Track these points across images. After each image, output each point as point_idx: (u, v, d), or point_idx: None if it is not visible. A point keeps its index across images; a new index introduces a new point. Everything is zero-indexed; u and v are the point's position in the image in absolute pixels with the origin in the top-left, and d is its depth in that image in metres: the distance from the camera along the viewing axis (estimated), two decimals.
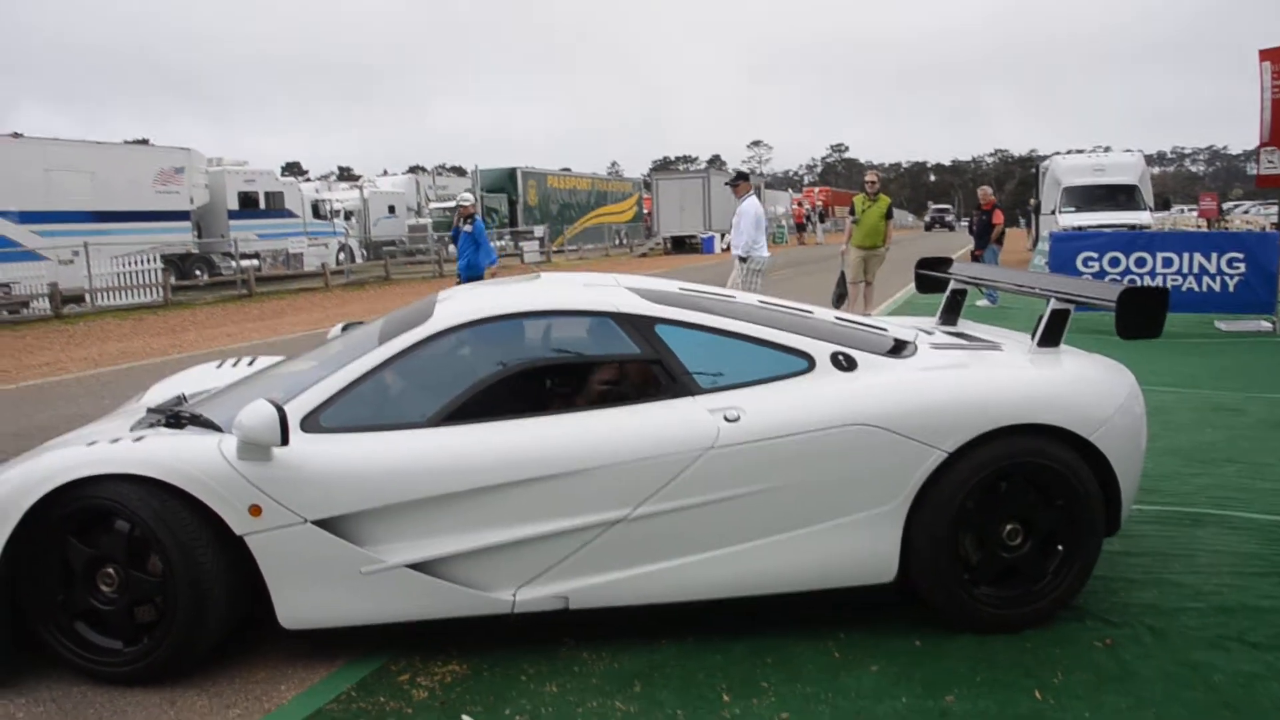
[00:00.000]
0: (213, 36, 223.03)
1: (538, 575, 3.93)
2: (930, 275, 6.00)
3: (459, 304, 4.48)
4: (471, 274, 13.56)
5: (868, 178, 14.38)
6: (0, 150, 26.05)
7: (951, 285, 5.69)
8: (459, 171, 76.77)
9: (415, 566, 3.85)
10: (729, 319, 4.36)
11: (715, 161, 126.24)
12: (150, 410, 4.63)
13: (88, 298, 24.21)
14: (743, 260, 11.79)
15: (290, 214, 34.51)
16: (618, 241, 52.20)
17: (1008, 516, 4.08)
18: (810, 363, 4.22)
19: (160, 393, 5.48)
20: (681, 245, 44.93)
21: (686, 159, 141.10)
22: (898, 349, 4.52)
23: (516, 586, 3.92)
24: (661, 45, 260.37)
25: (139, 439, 3.94)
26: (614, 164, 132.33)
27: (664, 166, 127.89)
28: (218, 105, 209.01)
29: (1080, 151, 30.60)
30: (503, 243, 42.95)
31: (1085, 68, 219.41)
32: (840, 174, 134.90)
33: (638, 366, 4.25)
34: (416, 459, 3.88)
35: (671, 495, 3.91)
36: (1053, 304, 4.60)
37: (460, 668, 3.90)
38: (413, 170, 57.61)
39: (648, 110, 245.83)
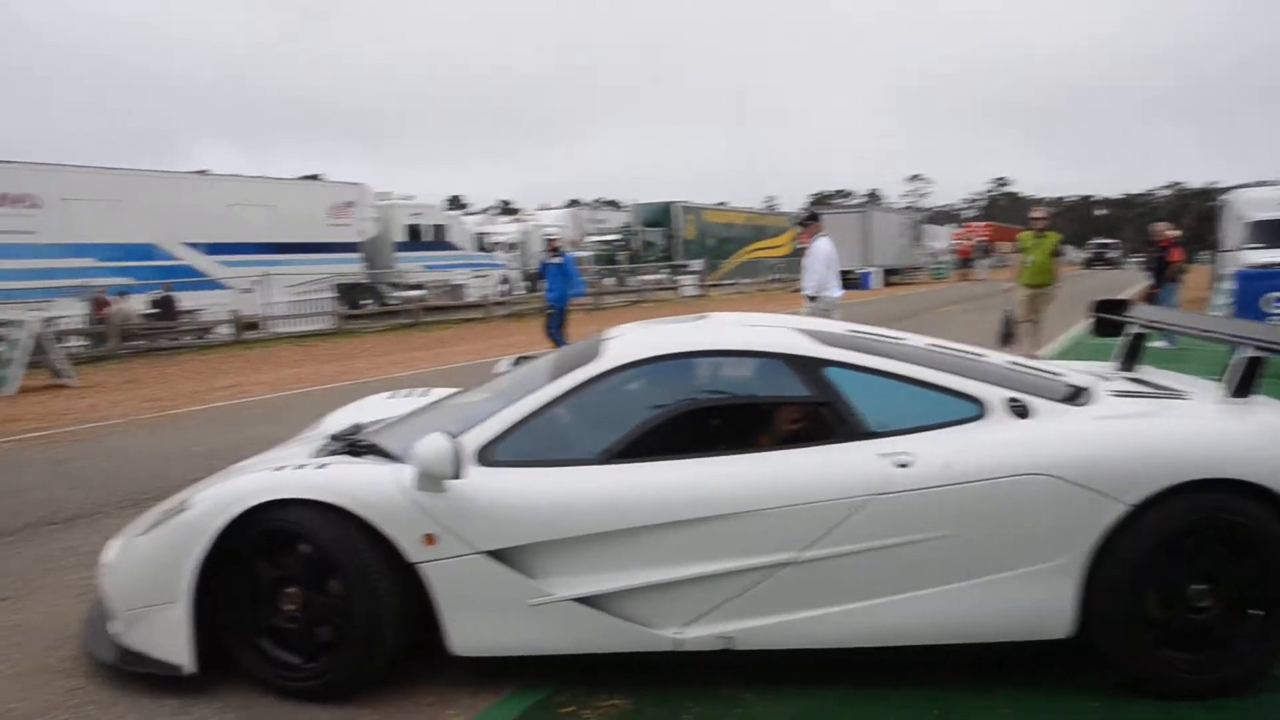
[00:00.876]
0: (376, 78, 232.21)
1: (703, 614, 3.89)
2: (1109, 318, 5.74)
3: (628, 343, 4.51)
4: (560, 304, 14.25)
5: (1034, 213, 13.95)
6: (190, 187, 27.72)
7: (1134, 330, 5.43)
8: (616, 205, 77.75)
9: (582, 600, 3.87)
10: (899, 362, 4.26)
11: (873, 196, 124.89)
12: (330, 438, 4.80)
13: (265, 324, 25.35)
14: (812, 299, 11.68)
15: (454, 247, 35.53)
16: (773, 277, 51.98)
17: (1196, 575, 3.80)
18: (982, 409, 4.07)
19: (337, 421, 5.70)
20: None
21: (843, 193, 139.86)
22: (1074, 396, 4.33)
23: (681, 625, 3.90)
24: (817, 79, 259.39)
25: (321, 466, 4.09)
26: (770, 198, 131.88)
27: (821, 201, 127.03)
28: (382, 142, 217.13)
29: (1267, 184, 28.97)
30: (659, 276, 43.31)
31: (1268, 95, 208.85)
32: (1003, 208, 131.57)
33: (807, 409, 4.18)
34: (586, 495, 3.91)
35: (840, 540, 3.82)
36: (1248, 351, 4.33)
37: (623, 702, 3.88)
38: (571, 204, 58.59)
39: (804, 145, 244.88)
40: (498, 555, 3.86)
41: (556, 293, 14.71)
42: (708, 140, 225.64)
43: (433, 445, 3.79)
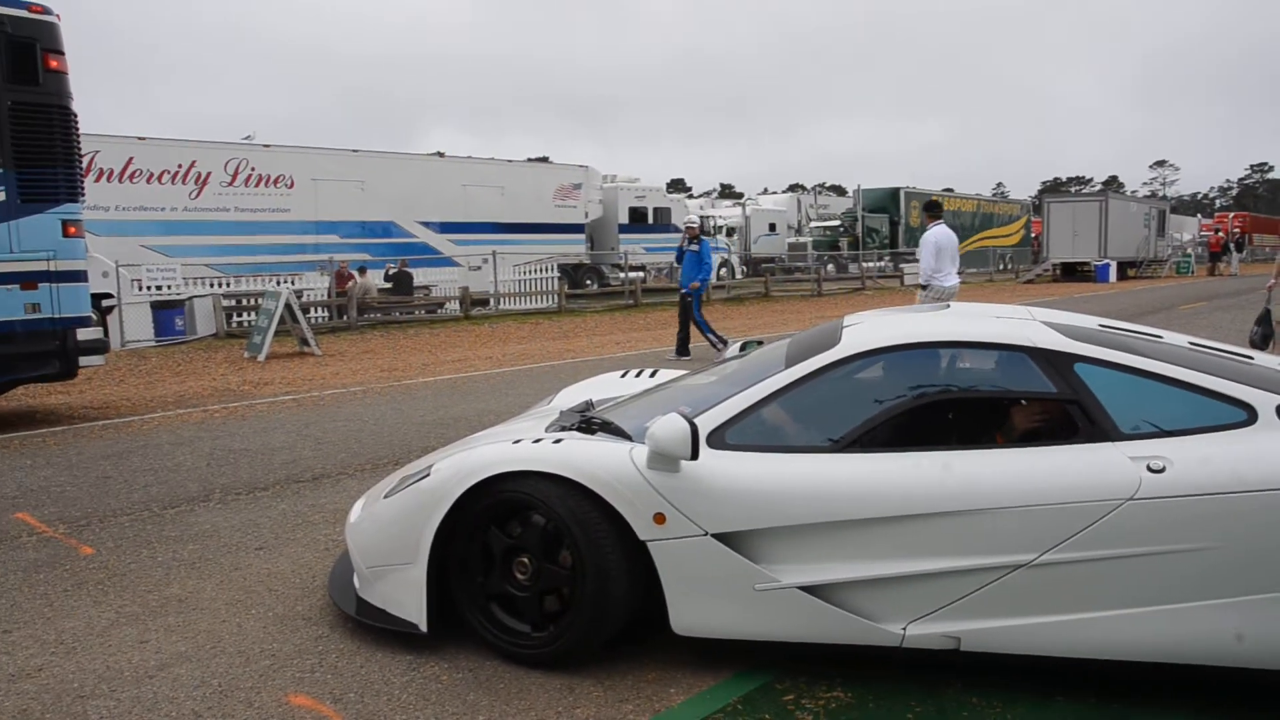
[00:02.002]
0: (605, 63, 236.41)
1: (931, 612, 3.75)
2: None
3: (868, 330, 4.40)
4: (687, 289, 14.81)
5: None
6: (427, 168, 28.96)
7: None
8: (839, 190, 76.74)
9: (808, 589, 3.79)
10: (1157, 361, 3.96)
11: (1112, 183, 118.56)
12: (565, 413, 4.88)
13: (492, 301, 26.21)
14: (924, 288, 11.87)
15: (676, 229, 35.80)
16: (1002, 266, 50.11)
17: None
18: (1251, 414, 3.73)
19: (570, 397, 5.80)
20: (1072, 272, 42.35)
21: (1079, 180, 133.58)
22: None
23: (908, 621, 3.76)
24: (1051, 59, 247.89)
25: (557, 441, 4.11)
26: (999, 185, 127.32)
27: (1054, 188, 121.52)
28: (608, 125, 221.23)
29: None
30: (883, 264, 42.43)
31: None
32: (1261, 197, 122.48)
33: (1053, 406, 3.95)
34: (817, 483, 3.83)
35: (1082, 545, 3.59)
36: None
37: (845, 695, 3.77)
38: (792, 189, 58.13)
39: (1036, 129, 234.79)
40: (725, 538, 3.82)
41: (688, 278, 15.02)
42: (935, 126, 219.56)
43: (670, 425, 3.78)
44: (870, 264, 41.85)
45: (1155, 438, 3.74)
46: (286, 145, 26.08)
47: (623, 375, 6.33)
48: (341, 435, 9.26)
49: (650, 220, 35.25)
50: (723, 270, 37.51)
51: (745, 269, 41.84)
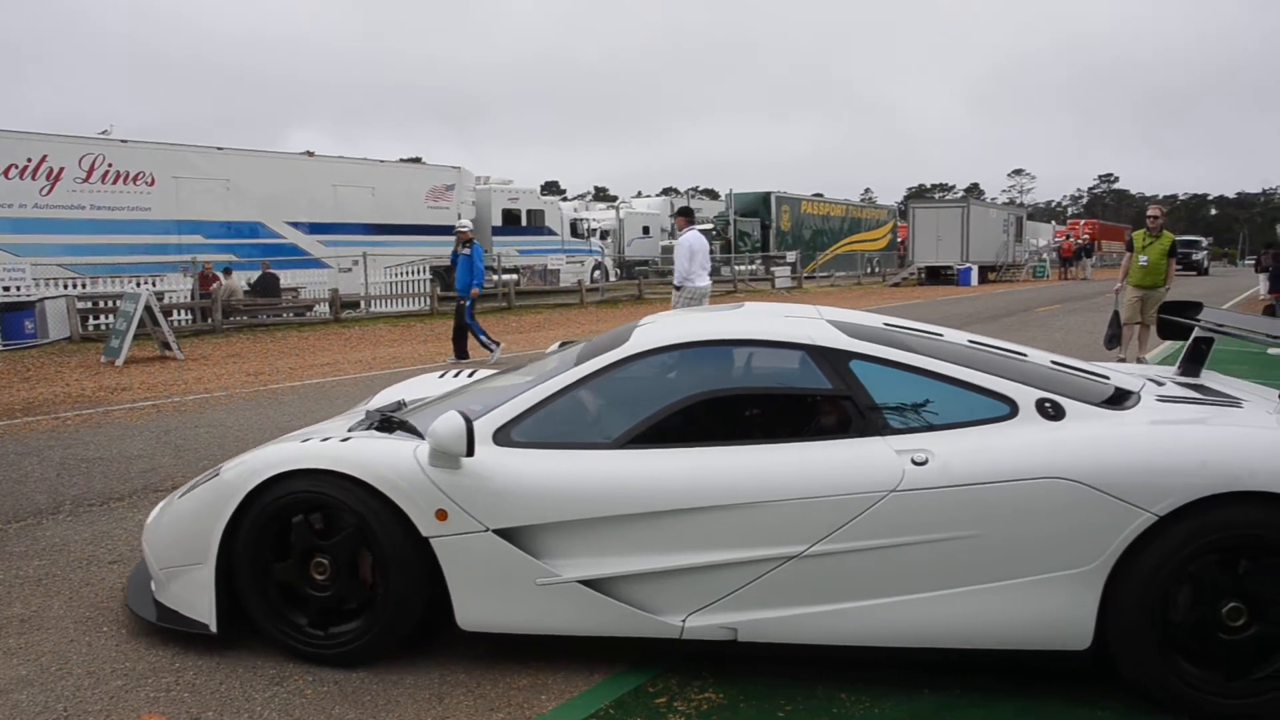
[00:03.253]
0: (474, 65, 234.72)
1: (708, 604, 3.89)
2: (1174, 320, 5.49)
3: (656, 329, 4.52)
4: (466, 294, 14.99)
5: (1150, 212, 13.45)
6: (296, 167, 28.28)
7: (1195, 333, 5.16)
8: (711, 194, 77.60)
9: (588, 583, 3.91)
10: (929, 358, 4.16)
11: (974, 190, 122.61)
12: (368, 413, 4.91)
13: (363, 304, 25.78)
14: (678, 289, 12.61)
15: (550, 232, 35.78)
16: (870, 270, 51.36)
17: (1229, 593, 3.59)
18: (1013, 408, 3.95)
19: (386, 397, 5.84)
20: (936, 276, 43.70)
21: (943, 186, 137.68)
22: (1118, 399, 4.18)
23: (687, 613, 3.90)
24: (914, 70, 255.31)
25: (345, 439, 4.18)
26: (867, 191, 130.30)
27: (919, 194, 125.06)
28: (479, 127, 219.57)
29: None
30: (754, 267, 43.05)
31: None
32: (1108, 206, 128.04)
33: (828, 401, 4.13)
34: (596, 479, 3.94)
35: (850, 536, 3.77)
36: None
37: (717, 696, 3.82)
38: (666, 192, 58.64)
39: (901, 137, 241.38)
40: (506, 534, 3.92)
41: (462, 283, 15.24)
42: (804, 132, 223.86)
43: (448, 423, 3.88)
44: (742, 267, 42.44)
45: (922, 431, 3.93)
46: (146, 141, 25.16)
47: (440, 376, 6.38)
48: (204, 442, 9.00)
49: (524, 222, 35.07)
50: (596, 273, 37.58)
51: (619, 271, 41.98)
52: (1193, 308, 5.46)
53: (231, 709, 3.73)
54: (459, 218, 32.34)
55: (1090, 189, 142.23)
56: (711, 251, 43.42)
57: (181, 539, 4.27)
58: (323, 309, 24.81)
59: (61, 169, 23.04)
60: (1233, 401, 4.30)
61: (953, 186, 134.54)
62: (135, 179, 24.32)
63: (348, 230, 28.33)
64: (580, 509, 3.91)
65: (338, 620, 4.11)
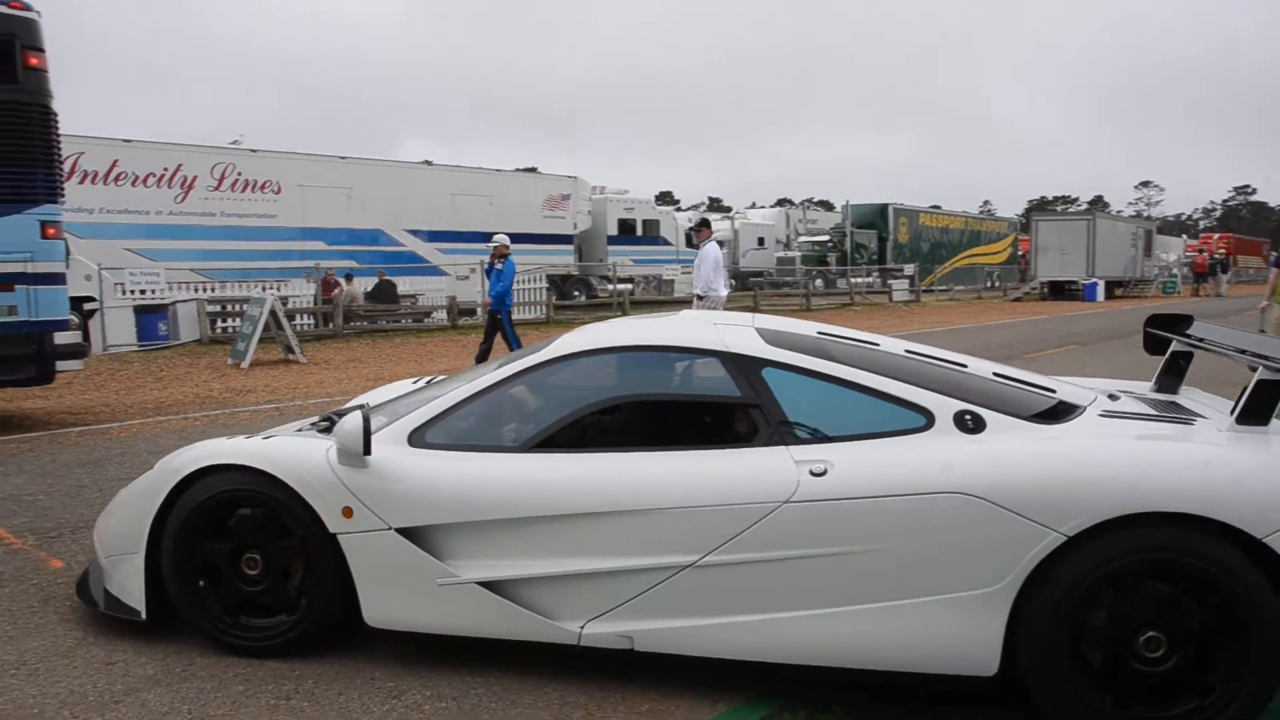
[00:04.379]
0: (590, 76, 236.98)
1: (606, 611, 3.83)
2: (1158, 335, 5.11)
3: (575, 335, 4.52)
4: (500, 306, 14.76)
5: None
6: (415, 176, 28.78)
7: (1172, 347, 4.87)
8: (826, 205, 76.83)
9: (487, 585, 3.90)
10: (849, 368, 4.01)
11: (1098, 202, 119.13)
12: (321, 415, 4.92)
13: (479, 311, 26.01)
14: (700, 298, 12.96)
15: (665, 242, 35.75)
16: (990, 284, 50.13)
17: (1146, 621, 3.34)
18: (929, 420, 3.79)
19: (364, 399, 5.87)
20: (1060, 291, 42.39)
21: (1065, 199, 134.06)
22: (1054, 413, 3.97)
23: (585, 620, 3.85)
24: (1038, 78, 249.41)
25: (267, 437, 4.37)
26: (985, 203, 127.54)
27: (1040, 206, 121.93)
28: (592, 138, 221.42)
29: None
30: (870, 279, 42.40)
31: None
32: (1244, 219, 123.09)
33: (736, 409, 4.08)
34: (499, 482, 3.95)
35: (742, 547, 3.66)
36: (1259, 373, 3.77)
37: None
38: (780, 203, 58.07)
39: (1022, 146, 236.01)
40: (409, 533, 3.95)
41: (496, 293, 15.07)
42: (916, 142, 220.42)
43: (349, 422, 3.96)
44: (859, 279, 41.79)
45: (830, 442, 3.81)
46: (274, 150, 25.89)
47: (415, 381, 6.35)
48: None
49: (639, 232, 35.12)
50: None
51: (733, 283, 41.71)
52: (1183, 321, 5.10)
53: None
54: (575, 227, 32.80)
55: (1224, 201, 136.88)
56: (826, 263, 43.52)
57: (121, 528, 4.38)
58: (440, 315, 25.10)
59: (195, 177, 23.85)
60: (1185, 419, 4.04)
61: (1075, 199, 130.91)
62: (263, 187, 25.04)
63: (465, 239, 28.69)
64: (480, 511, 3.92)
65: (264, 613, 4.17)
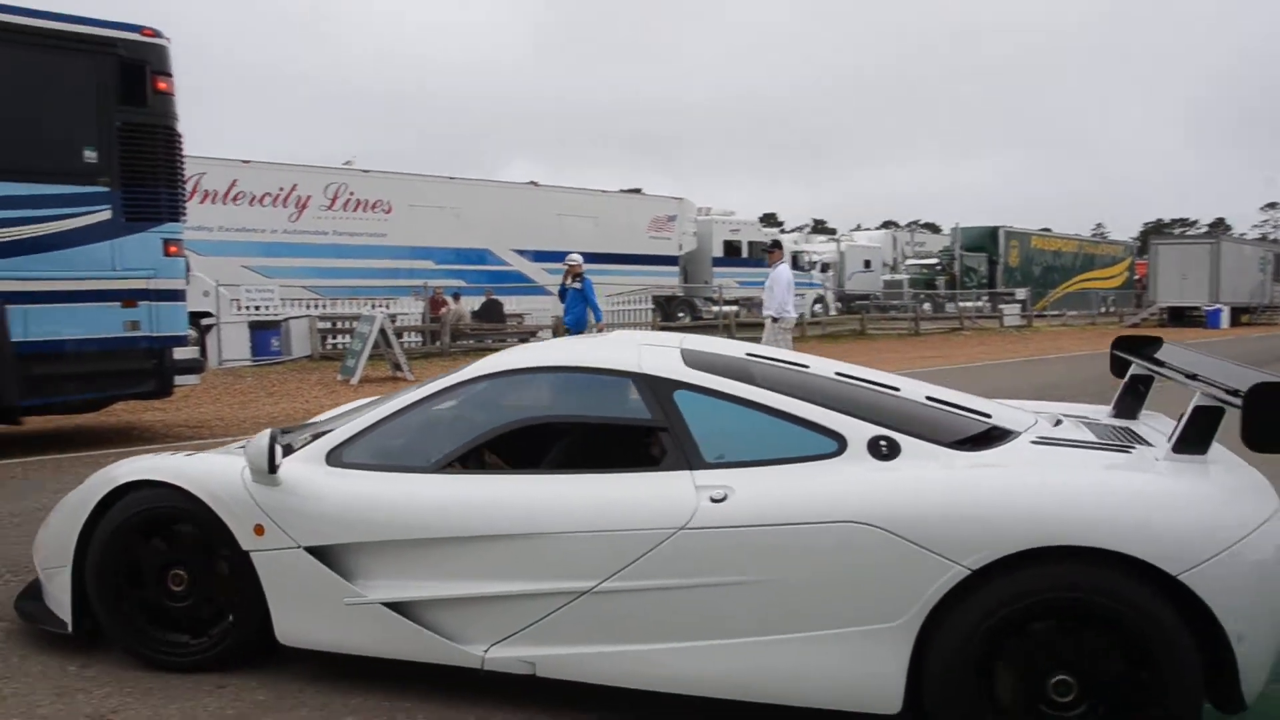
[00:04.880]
0: (690, 97, 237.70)
1: (509, 636, 3.75)
2: (1120, 358, 4.84)
3: (498, 356, 4.47)
4: (579, 328, 14.72)
5: None
6: (521, 196, 29.04)
7: (1131, 370, 4.63)
8: (933, 228, 75.56)
9: (393, 606, 3.84)
10: (767, 391, 3.87)
11: (1219, 225, 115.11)
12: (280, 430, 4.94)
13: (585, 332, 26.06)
14: (774, 320, 13.00)
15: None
16: (1104, 309, 48.67)
17: (1057, 664, 3.18)
18: (841, 445, 3.65)
19: (326, 415, 5.77)
20: (1180, 317, 40.90)
21: (1183, 222, 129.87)
22: (983, 439, 3.79)
23: (489, 644, 3.77)
24: (1153, 99, 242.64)
25: (189, 455, 4.37)
26: (1098, 226, 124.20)
27: (1157, 230, 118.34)
28: (692, 160, 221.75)
29: None
30: (980, 304, 41.49)
31: None
32: None
33: (645, 432, 4.04)
34: (406, 502, 3.90)
35: (638, 574, 3.55)
36: (1195, 399, 3.57)
37: None
38: (886, 225, 57.33)
39: (1137, 169, 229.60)
40: (317, 552, 3.93)
41: (573, 315, 14.99)
42: (1030, 164, 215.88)
43: (257, 441, 3.98)
44: (968, 304, 40.91)
45: (736, 467, 3.68)
46: (385, 171, 26.34)
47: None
48: None
49: (745, 254, 34.89)
50: (817, 306, 37.04)
51: (839, 305, 41.22)
52: (1150, 344, 4.80)
53: None
54: (680, 248, 32.73)
55: None
56: (935, 286, 42.70)
57: (53, 541, 4.37)
58: (545, 335, 25.19)
59: (309, 197, 24.37)
60: (1124, 447, 3.79)
61: (1194, 221, 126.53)
62: (374, 207, 25.49)
63: None
64: (387, 531, 3.89)
65: (188, 628, 4.17)
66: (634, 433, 4.13)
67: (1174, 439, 3.57)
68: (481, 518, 3.79)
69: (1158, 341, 4.79)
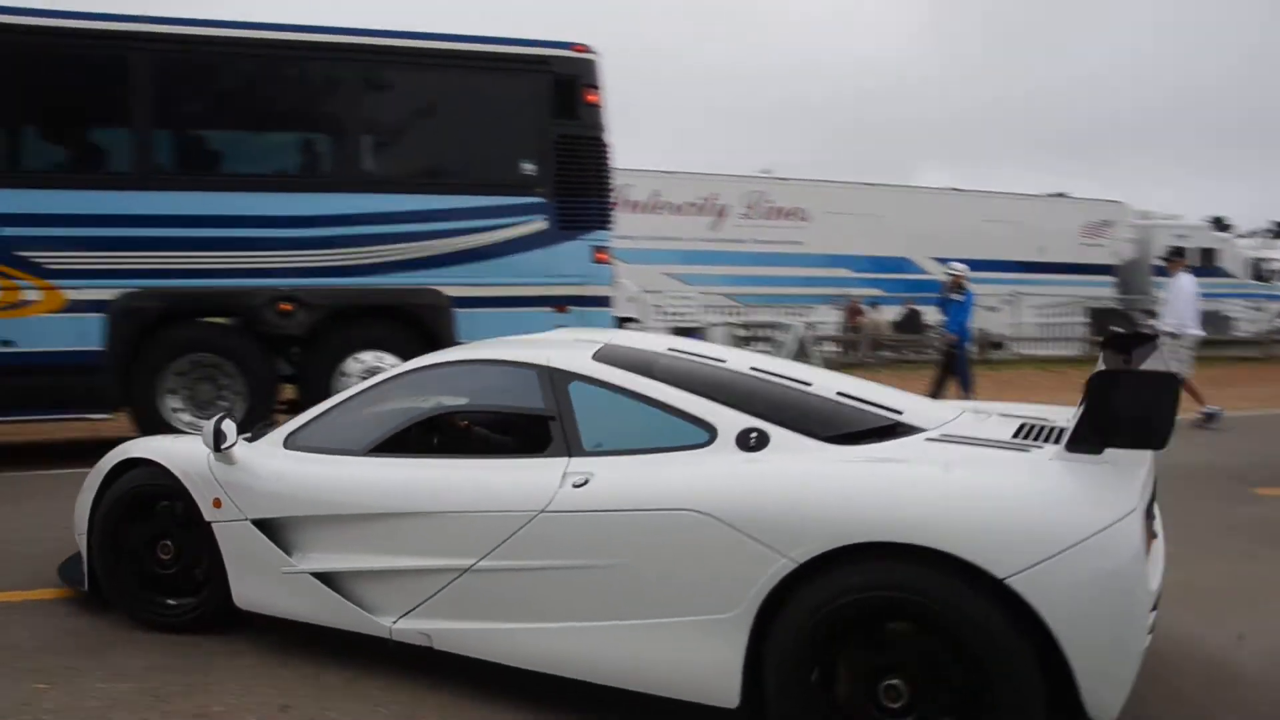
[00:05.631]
0: (1117, 97, 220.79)
1: (411, 609, 4.06)
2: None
3: (434, 354, 4.92)
4: (965, 336, 13.73)
5: None
6: (941, 203, 27.90)
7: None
8: None
9: (319, 575, 4.25)
10: (654, 383, 4.02)
11: None
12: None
13: (1009, 345, 24.56)
14: (1174, 337, 11.89)
15: (1225, 273, 31.74)
16: None
17: (888, 667, 3.08)
18: (712, 436, 3.76)
19: None
20: None
21: None
22: (874, 434, 3.79)
23: (397, 616, 4.08)
24: None
25: (178, 438, 5.15)
26: None
27: None
28: (1125, 159, 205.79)
29: None
30: None
31: None
32: None
33: (535, 422, 4.18)
34: (334, 481, 4.36)
35: (508, 554, 3.80)
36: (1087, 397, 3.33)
37: None
38: None
39: None
40: (260, 524, 4.43)
41: (957, 324, 13.66)
42: None
43: (208, 424, 4.55)
44: None
45: (610, 455, 3.87)
46: (802, 179, 26.21)
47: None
48: None
49: (1192, 263, 31.53)
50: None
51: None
52: (1141, 341, 4.23)
53: None
54: (1116, 257, 30.06)
55: None
56: None
57: (77, 510, 4.97)
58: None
59: (727, 205, 24.72)
60: (1024, 448, 3.61)
61: None
62: (791, 214, 25.45)
63: (994, 267, 27.17)
64: (316, 507, 4.35)
65: (174, 593, 4.71)
66: (528, 421, 4.27)
67: (1066, 438, 3.36)
68: (390, 497, 4.18)
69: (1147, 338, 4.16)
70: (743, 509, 3.32)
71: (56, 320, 9.12)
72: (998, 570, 2.94)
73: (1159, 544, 3.62)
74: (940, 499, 3.17)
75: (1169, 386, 3.13)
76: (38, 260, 9.06)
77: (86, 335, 9.15)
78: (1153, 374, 3.28)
